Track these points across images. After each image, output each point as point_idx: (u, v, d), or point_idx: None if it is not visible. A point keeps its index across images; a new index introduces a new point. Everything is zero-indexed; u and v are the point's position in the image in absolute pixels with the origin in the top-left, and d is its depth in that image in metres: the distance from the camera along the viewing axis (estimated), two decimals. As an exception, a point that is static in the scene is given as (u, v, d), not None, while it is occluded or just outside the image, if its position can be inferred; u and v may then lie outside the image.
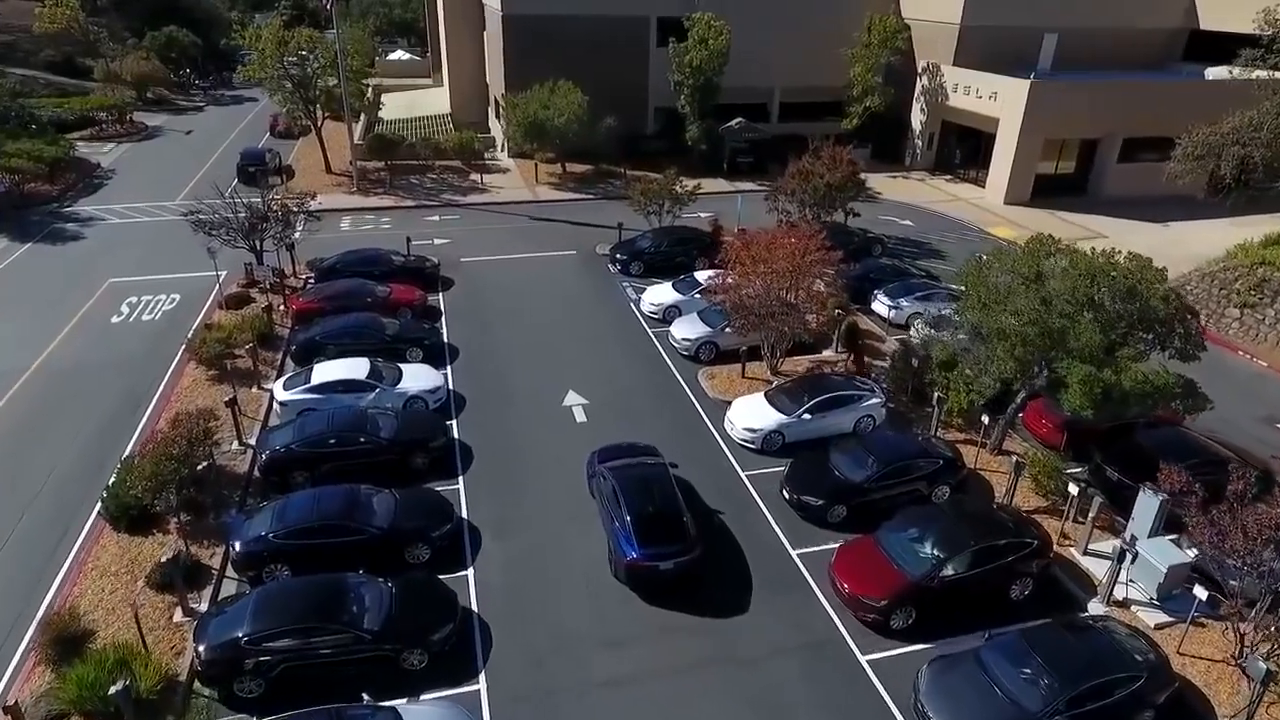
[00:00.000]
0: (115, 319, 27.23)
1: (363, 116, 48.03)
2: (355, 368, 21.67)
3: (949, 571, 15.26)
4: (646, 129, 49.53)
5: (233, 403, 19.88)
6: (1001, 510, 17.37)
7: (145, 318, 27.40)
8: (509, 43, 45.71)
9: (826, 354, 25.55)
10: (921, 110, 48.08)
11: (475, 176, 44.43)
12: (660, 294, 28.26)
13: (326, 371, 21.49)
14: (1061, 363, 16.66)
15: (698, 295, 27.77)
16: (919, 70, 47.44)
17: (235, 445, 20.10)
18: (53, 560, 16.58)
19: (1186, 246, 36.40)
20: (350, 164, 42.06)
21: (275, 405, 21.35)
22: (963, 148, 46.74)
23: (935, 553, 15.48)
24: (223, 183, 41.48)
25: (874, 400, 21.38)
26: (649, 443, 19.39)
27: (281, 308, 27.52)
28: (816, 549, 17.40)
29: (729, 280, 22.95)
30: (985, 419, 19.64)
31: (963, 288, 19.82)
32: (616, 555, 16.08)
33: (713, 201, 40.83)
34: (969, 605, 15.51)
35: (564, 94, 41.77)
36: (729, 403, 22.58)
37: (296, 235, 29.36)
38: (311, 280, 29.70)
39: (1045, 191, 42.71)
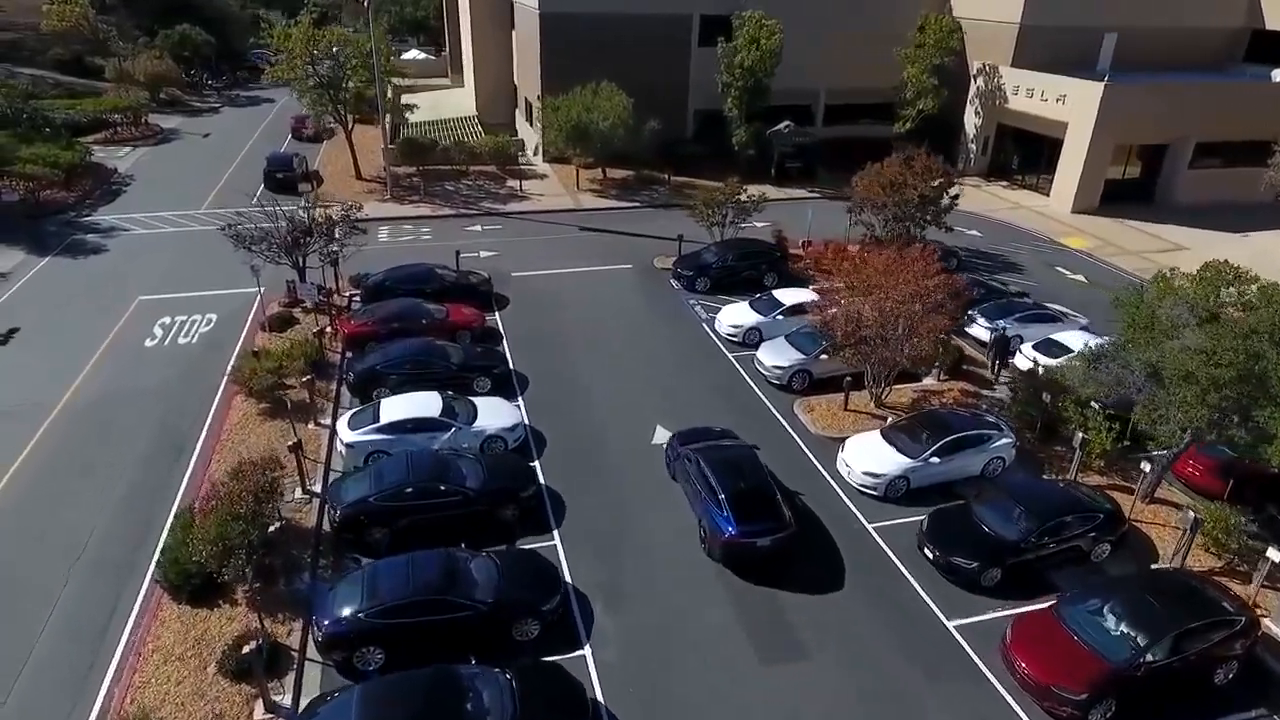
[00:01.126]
0: (149, 342, 25.01)
1: (387, 118, 45.75)
2: (427, 404, 19.50)
3: (1154, 656, 13.17)
4: (686, 132, 47.42)
5: (298, 448, 17.69)
6: (1192, 577, 15.27)
7: (181, 341, 25.18)
8: (545, 42, 43.52)
9: (929, 382, 23.48)
10: (976, 113, 45.99)
11: (513, 183, 42.25)
12: (739, 315, 26.13)
13: (395, 408, 19.32)
14: (1263, 411, 14.54)
15: (780, 316, 25.72)
16: (973, 72, 45.34)
17: (299, 494, 17.94)
18: (106, 639, 14.40)
19: (1274, 258, 34.46)
20: (384, 169, 39.86)
21: (340, 447, 19.15)
22: (1021, 152, 44.68)
23: (1135, 632, 13.38)
24: (249, 189, 39.77)
25: (1004, 440, 19.26)
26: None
27: (329, 330, 25.34)
28: (974, 619, 15.31)
29: (838, 302, 20.78)
30: (1146, 466, 17.49)
31: (1124, 320, 17.68)
32: (712, 533, 16.36)
33: (766, 209, 38.81)
34: (1173, 695, 13.44)
35: (607, 96, 39.64)
36: (836, 440, 20.51)
37: (343, 249, 27.10)
38: (358, 299, 27.56)
39: (1111, 199, 40.71)
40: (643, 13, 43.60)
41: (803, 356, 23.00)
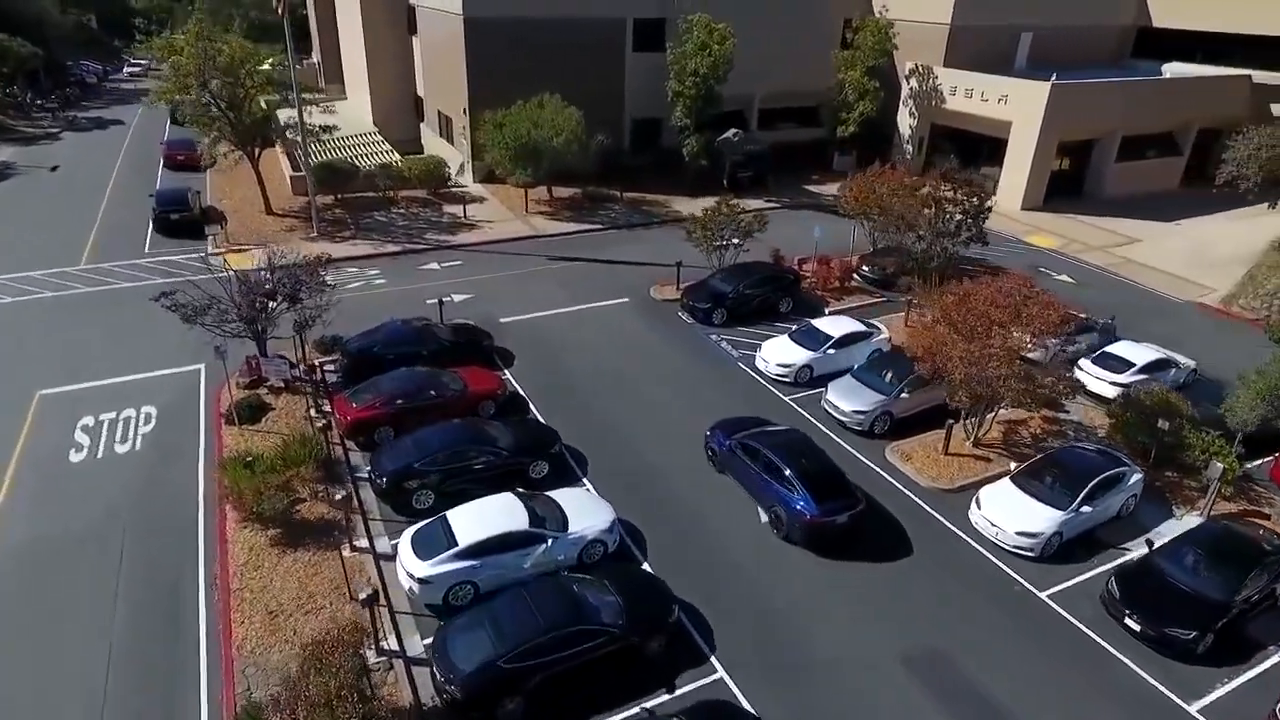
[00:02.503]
0: (75, 456, 19.25)
1: (278, 142, 39.59)
2: (508, 512, 15.71)
3: None
4: (624, 143, 44.53)
5: (373, 601, 13.43)
6: None
7: (120, 449, 19.58)
8: (472, 51, 39.24)
9: (1018, 413, 21.90)
10: (910, 114, 46.14)
11: (452, 209, 37.78)
12: (784, 351, 23.73)
13: (471, 523, 15.37)
14: None
15: (832, 350, 23.62)
16: (906, 73, 45.42)
17: (371, 655, 13.74)
18: None
19: (1218, 246, 36.39)
20: (310, 202, 34.27)
21: (408, 584, 14.95)
22: (957, 153, 45.18)
23: None
24: (135, 236, 33.06)
25: (1136, 476, 18.04)
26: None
27: (312, 413, 20.60)
28: (1213, 697, 13.77)
29: (936, 338, 18.77)
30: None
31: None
32: (790, 517, 16.90)
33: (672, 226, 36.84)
34: None
35: (554, 110, 36.09)
36: (949, 492, 18.67)
37: (320, 311, 22.09)
38: (338, 370, 22.81)
39: (1046, 195, 41.88)
40: (574, 16, 40.26)
41: (883, 397, 20.96)
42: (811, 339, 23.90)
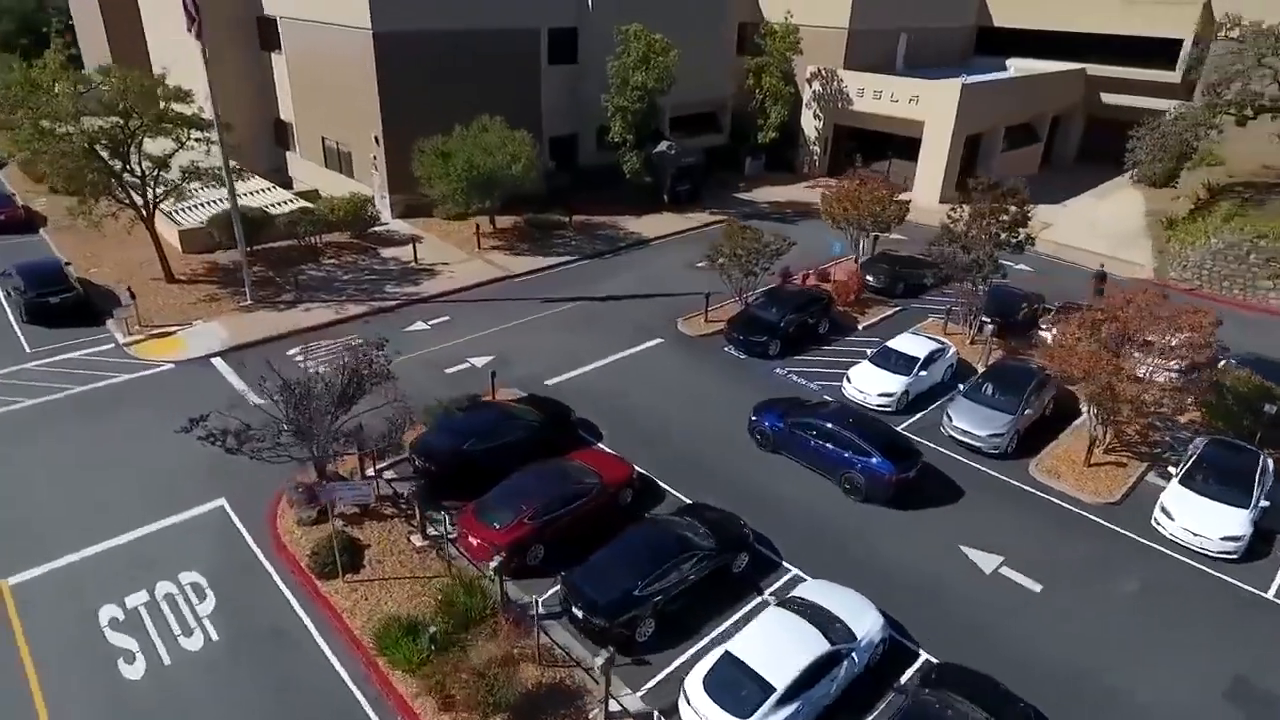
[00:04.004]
0: (129, 668, 13.79)
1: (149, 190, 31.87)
2: (797, 633, 13.32)
3: None
4: (545, 162, 41.33)
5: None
6: None
7: (190, 645, 14.32)
8: (385, 70, 34.25)
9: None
10: (815, 116, 47.24)
11: (393, 252, 32.83)
12: (881, 380, 22.81)
13: (771, 657, 12.79)
14: None
15: (923, 372, 23.16)
16: (808, 76, 46.39)
17: None
18: None
19: (1104, 223, 40.75)
20: (239, 264, 27.89)
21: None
22: (864, 152, 47.03)
23: None
24: (2, 335, 25.21)
25: (1270, 462, 19.23)
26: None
27: (415, 541, 16.48)
28: None
29: (1092, 358, 18.72)
30: None
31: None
32: (873, 480, 18.49)
33: (680, 244, 35.44)
34: None
35: (499, 134, 32.43)
36: (1116, 505, 18.88)
37: (401, 414, 17.54)
38: (417, 479, 18.48)
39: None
40: (487, 28, 36.52)
41: (1011, 416, 20.74)
42: (900, 363, 23.23)
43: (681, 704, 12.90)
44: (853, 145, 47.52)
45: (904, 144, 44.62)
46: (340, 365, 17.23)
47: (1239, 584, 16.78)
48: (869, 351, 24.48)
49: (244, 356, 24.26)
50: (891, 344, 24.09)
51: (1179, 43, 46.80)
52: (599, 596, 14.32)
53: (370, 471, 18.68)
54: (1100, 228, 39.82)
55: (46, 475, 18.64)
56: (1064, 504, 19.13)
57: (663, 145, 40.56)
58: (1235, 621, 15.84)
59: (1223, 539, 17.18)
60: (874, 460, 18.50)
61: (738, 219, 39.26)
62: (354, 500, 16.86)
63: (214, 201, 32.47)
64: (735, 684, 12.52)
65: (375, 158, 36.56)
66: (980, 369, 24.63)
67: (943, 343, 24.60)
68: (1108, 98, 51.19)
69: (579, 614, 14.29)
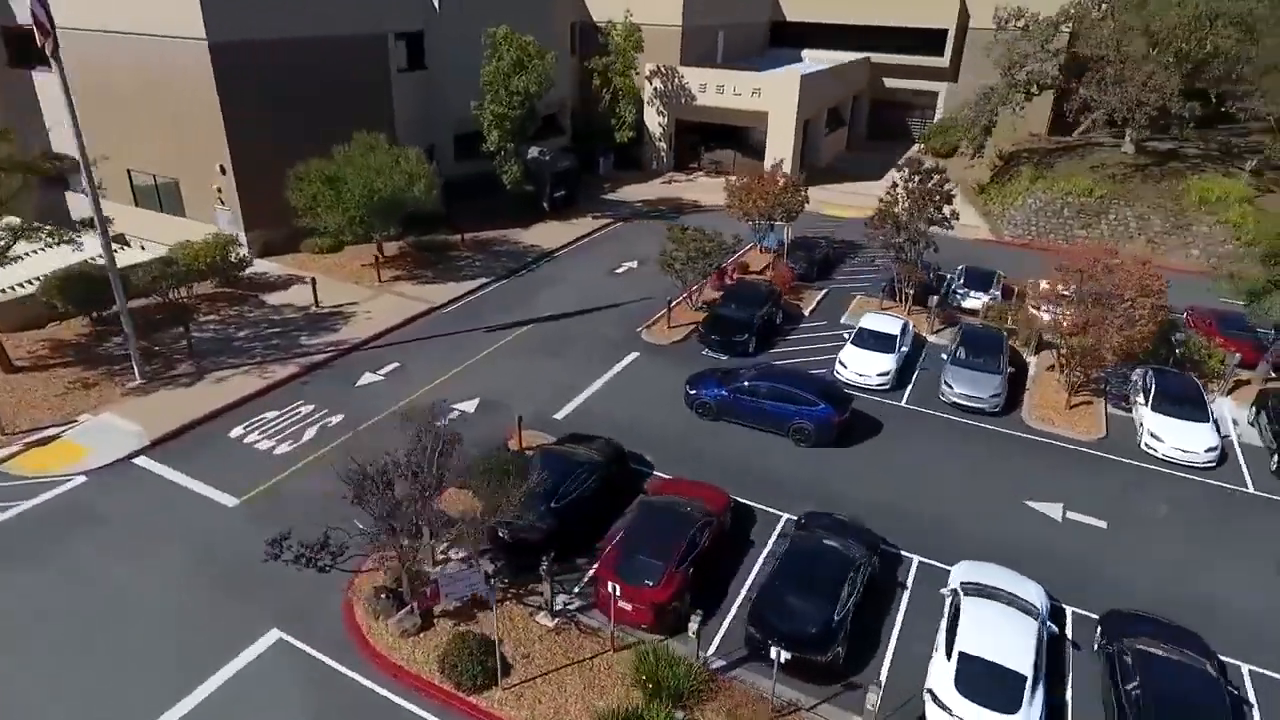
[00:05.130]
0: None
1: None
2: (1013, 623, 13.67)
3: None
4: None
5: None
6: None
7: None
8: (227, 87, 29.07)
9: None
10: (659, 113, 47.93)
11: (278, 298, 28.16)
12: (874, 361, 23.85)
13: (1009, 646, 13.06)
14: None
15: (905, 349, 24.76)
16: (648, 74, 46.88)
17: None
18: None
19: None
20: (128, 336, 22.07)
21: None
22: (711, 145, 48.65)
23: None
24: None
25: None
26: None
27: (545, 621, 14.48)
28: None
29: (1088, 314, 21.14)
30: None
31: None
32: (820, 426, 20.54)
33: (584, 252, 34.64)
34: None
35: (387, 153, 29.05)
36: (1105, 440, 21.67)
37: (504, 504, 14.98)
38: (510, 545, 16.08)
39: (787, 170, 48.08)
40: (331, 35, 32.50)
41: (999, 376, 22.94)
42: (883, 342, 24.53)
43: (934, 713, 12.74)
44: (696, 139, 49.08)
45: (737, 134, 47.09)
46: (418, 442, 14.49)
47: (1226, 485, 20.07)
48: (846, 335, 25.62)
49: (179, 448, 19.61)
50: (865, 325, 25.34)
51: (945, 32, 53.92)
52: (805, 628, 13.62)
53: (453, 556, 16.04)
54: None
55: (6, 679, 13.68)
56: (1069, 445, 21.55)
57: (533, 151, 38.89)
58: (1245, 513, 18.95)
59: (1207, 450, 20.45)
60: (819, 408, 20.57)
61: (618, 220, 39.13)
62: (460, 589, 14.41)
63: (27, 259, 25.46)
64: (989, 682, 12.62)
65: (220, 190, 31.04)
66: (928, 337, 26.95)
67: (900, 318, 26.41)
68: (890, 82, 57.70)
69: (781, 652, 13.13)
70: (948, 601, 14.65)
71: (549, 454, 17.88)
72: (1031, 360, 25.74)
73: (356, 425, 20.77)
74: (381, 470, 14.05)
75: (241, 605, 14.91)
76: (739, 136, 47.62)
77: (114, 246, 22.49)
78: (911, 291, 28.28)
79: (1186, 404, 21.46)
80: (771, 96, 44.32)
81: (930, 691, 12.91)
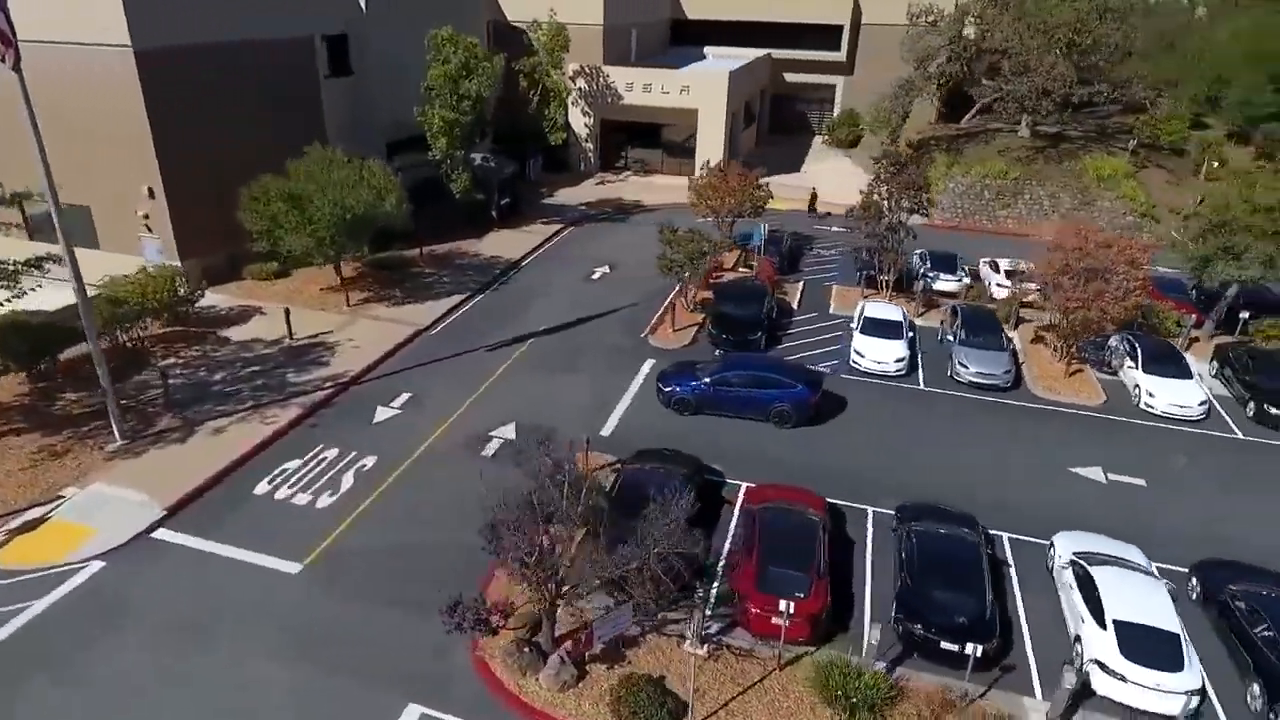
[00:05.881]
0: None
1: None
2: (1144, 585, 14.49)
3: None
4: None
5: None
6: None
7: None
8: (155, 98, 25.73)
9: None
10: (584, 114, 47.07)
11: (244, 332, 25.32)
12: (890, 349, 24.50)
13: (1153, 609, 13.82)
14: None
15: (912, 334, 25.74)
16: (572, 74, 45.89)
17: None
18: None
19: (834, 182, 47.50)
20: (108, 392, 18.92)
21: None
22: (636, 144, 48.35)
23: None
24: None
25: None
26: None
27: (696, 650, 13.86)
28: None
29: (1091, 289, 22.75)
30: None
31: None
32: (799, 407, 21.34)
33: (551, 260, 33.70)
34: None
35: (345, 166, 26.81)
36: (1106, 404, 23.47)
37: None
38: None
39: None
40: (256, 38, 29.54)
41: (1008, 353, 24.34)
42: (891, 329, 25.27)
43: (1101, 681, 13.24)
44: (621, 139, 48.68)
45: (661, 132, 47.31)
46: (545, 481, 13.39)
47: (1219, 434, 22.26)
48: (852, 325, 26.25)
49: (202, 514, 17.19)
50: (869, 315, 26.00)
51: (840, 28, 56.35)
52: (970, 618, 13.82)
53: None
54: (849, 185, 46.90)
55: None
56: (1079, 411, 23.15)
57: (477, 158, 37.12)
58: (1252, 458, 21.08)
59: (1200, 405, 22.56)
60: (798, 389, 21.41)
61: (569, 224, 38.20)
62: (615, 632, 13.54)
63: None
64: (1151, 645, 13.30)
65: (148, 216, 27.49)
66: (915, 321, 28.13)
67: (898, 306, 27.36)
68: (790, 77, 59.65)
69: (977, 646, 13.26)
70: (1068, 573, 15.31)
71: (635, 474, 17.12)
72: (1014, 335, 27.43)
73: (395, 467, 19.07)
74: (516, 516, 12.90)
75: (361, 686, 13.25)
76: (664, 134, 47.71)
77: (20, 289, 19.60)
78: (892, 279, 29.42)
79: (1170, 363, 23.62)
80: (701, 93, 44.65)
81: (1097, 662, 13.43)
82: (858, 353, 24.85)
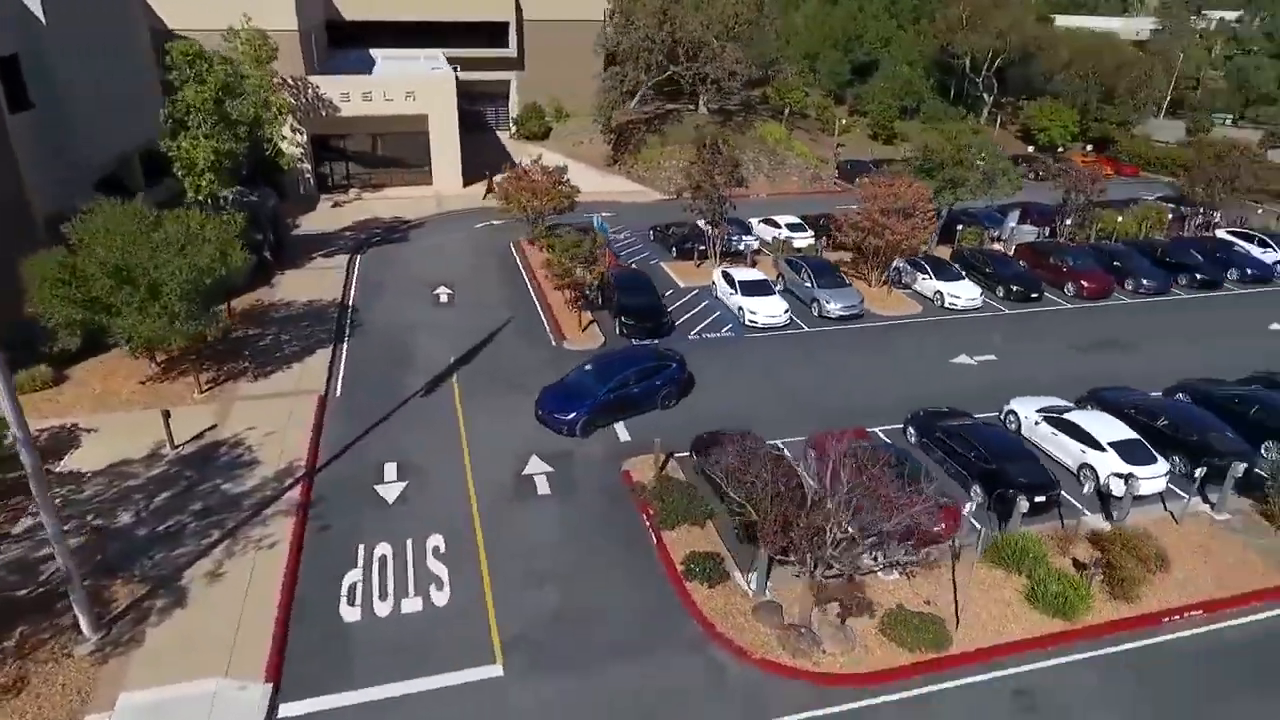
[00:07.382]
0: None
1: None
2: (1116, 424, 20.05)
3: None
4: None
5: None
6: None
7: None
8: None
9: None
10: (293, 130, 41.48)
11: (75, 463, 18.85)
12: (771, 306, 28.04)
13: (1116, 428, 19.57)
14: None
15: (779, 287, 29.82)
16: (274, 86, 39.98)
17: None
18: None
19: (589, 174, 50.26)
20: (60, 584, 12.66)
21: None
22: (357, 159, 44.22)
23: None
24: None
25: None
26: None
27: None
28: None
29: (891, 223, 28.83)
30: None
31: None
32: (679, 382, 22.69)
33: (367, 302, 30.63)
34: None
35: (179, 219, 21.36)
36: (925, 308, 30.37)
37: None
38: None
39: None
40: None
41: (853, 288, 29.74)
42: (764, 287, 28.96)
43: (1117, 485, 18.47)
44: (334, 155, 44.16)
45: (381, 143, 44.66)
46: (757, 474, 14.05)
47: (990, 313, 30.37)
48: (716, 294, 29.84)
49: (305, 669, 13.63)
50: (740, 279, 29.27)
51: (507, 25, 57.70)
52: (1049, 479, 18.37)
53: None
54: (591, 175, 49.60)
55: None
56: (914, 320, 29.55)
57: (229, 195, 31.11)
58: (1021, 325, 29.33)
59: (981, 297, 30.44)
60: (673, 368, 22.47)
61: (349, 253, 34.44)
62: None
63: None
64: (1136, 451, 18.86)
65: None
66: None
67: (751, 268, 31.10)
68: (464, 74, 59.31)
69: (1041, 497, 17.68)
70: (1043, 426, 20.36)
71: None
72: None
73: (466, 536, 16.98)
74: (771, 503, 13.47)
75: None
76: (387, 146, 44.72)
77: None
78: (719, 247, 33.14)
79: (948, 271, 31.34)
80: (429, 98, 42.90)
81: (1115, 473, 18.63)
82: (751, 312, 28.03)
